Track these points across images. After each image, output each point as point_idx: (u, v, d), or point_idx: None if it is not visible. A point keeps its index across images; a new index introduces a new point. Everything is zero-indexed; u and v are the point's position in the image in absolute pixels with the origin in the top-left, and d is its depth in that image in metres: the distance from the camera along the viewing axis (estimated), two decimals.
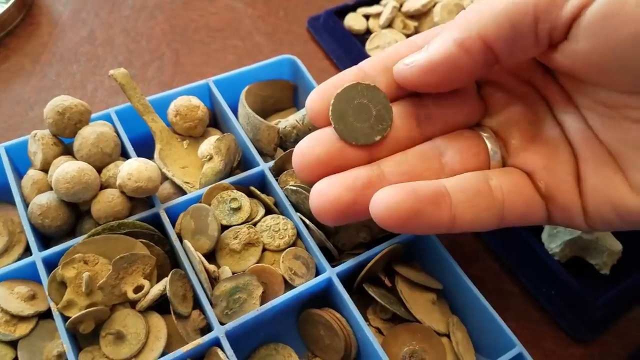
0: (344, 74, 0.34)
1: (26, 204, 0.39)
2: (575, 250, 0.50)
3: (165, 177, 0.43)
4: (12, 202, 0.42)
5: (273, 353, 0.39)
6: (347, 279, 0.40)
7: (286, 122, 0.45)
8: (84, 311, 0.33)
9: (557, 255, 0.50)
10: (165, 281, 0.35)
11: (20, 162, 0.43)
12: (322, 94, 0.34)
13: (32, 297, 0.35)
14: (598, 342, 0.46)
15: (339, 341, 0.38)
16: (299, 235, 0.41)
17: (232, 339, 0.35)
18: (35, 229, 0.38)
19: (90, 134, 0.39)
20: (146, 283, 0.35)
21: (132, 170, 0.37)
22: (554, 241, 0.50)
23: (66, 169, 0.36)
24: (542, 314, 0.48)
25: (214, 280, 0.36)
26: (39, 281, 0.36)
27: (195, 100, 0.45)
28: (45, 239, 0.39)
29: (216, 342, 0.34)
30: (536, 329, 0.46)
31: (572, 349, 0.46)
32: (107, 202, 0.37)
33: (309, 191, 0.40)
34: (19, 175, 0.42)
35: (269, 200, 0.43)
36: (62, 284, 0.34)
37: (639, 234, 0.51)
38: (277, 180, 0.43)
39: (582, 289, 0.46)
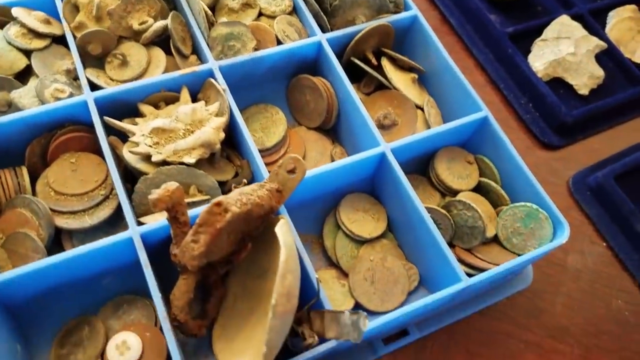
0: None
1: None
2: (559, 71, 0.53)
3: None
4: None
5: (262, 111, 0.42)
6: (337, 53, 0.43)
7: None
8: (93, 29, 0.36)
9: (540, 73, 0.52)
10: (167, 20, 0.38)
11: None
12: None
13: (47, 22, 0.38)
14: (565, 150, 0.50)
15: (322, 102, 0.42)
16: (295, 9, 0.44)
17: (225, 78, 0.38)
18: None
19: None
20: (150, 19, 0.38)
21: None
22: (538, 60, 0.53)
23: None
24: (519, 123, 0.51)
25: (211, 24, 0.40)
26: (53, 15, 0.39)
27: None
28: None
29: (210, 74, 0.38)
30: (510, 134, 0.49)
31: (540, 152, 0.49)
32: None
33: None
34: None
35: None
36: (75, 8, 0.38)
37: (620, 64, 0.54)
38: None
39: (556, 100, 0.50)
